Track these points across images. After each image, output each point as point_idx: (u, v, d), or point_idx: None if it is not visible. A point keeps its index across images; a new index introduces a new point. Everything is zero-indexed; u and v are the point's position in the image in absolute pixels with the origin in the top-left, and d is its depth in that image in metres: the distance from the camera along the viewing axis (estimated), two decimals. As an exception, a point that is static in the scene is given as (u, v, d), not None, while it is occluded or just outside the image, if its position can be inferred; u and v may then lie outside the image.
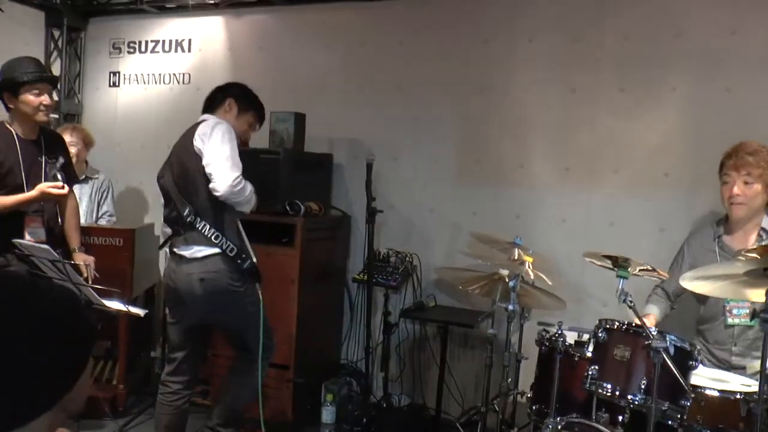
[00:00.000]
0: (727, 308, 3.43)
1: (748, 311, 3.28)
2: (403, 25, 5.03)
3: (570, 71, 4.56)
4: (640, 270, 2.97)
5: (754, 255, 2.66)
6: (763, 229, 3.45)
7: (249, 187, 3.58)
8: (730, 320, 3.42)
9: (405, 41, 5.02)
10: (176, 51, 5.85)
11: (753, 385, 2.92)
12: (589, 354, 3.08)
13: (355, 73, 5.18)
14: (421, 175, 4.98)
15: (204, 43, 5.76)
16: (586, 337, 3.22)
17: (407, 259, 4.88)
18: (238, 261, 3.56)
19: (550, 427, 3.05)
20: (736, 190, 3.38)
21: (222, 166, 3.46)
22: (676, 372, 2.72)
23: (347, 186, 5.19)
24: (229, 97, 3.80)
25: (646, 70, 4.37)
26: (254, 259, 3.64)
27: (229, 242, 3.55)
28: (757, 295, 2.70)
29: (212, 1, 5.59)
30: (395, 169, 5.02)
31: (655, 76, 4.35)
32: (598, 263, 3.09)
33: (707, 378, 3.08)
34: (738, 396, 2.85)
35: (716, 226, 3.60)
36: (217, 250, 3.55)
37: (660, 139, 4.37)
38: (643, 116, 4.40)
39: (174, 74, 5.86)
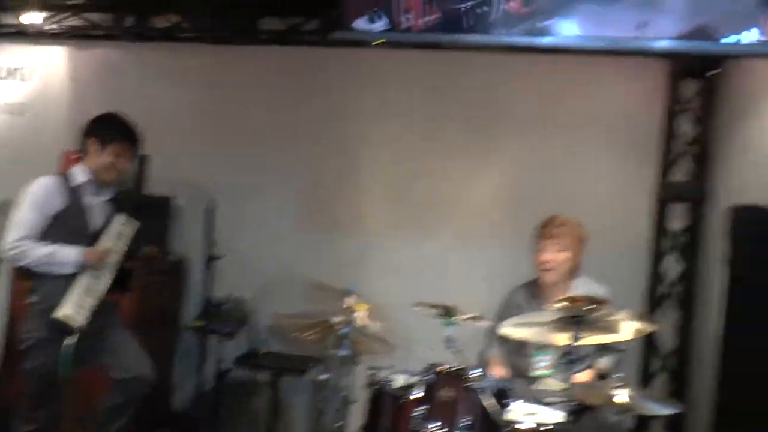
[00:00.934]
0: (533, 362, 3.72)
1: (549, 362, 3.59)
2: (253, 70, 5.10)
3: (411, 121, 4.85)
4: (465, 319, 3.19)
5: (564, 304, 2.97)
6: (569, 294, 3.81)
7: (38, 253, 3.42)
8: (534, 372, 3.73)
9: (254, 86, 5.09)
10: (11, 79, 5.53)
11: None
12: (416, 395, 3.24)
13: (202, 115, 5.17)
14: (262, 221, 5.03)
15: (42, 73, 5.48)
16: (414, 379, 3.38)
17: (243, 305, 4.87)
18: None
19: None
20: (547, 257, 3.73)
21: (7, 230, 3.36)
22: (493, 410, 2.94)
23: (187, 230, 5.11)
24: (86, 137, 3.63)
25: (481, 126, 4.76)
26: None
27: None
28: (561, 340, 3.01)
29: (53, 30, 5.32)
30: (237, 213, 5.02)
31: (489, 132, 4.76)
32: (428, 312, 3.28)
33: (522, 413, 3.35)
34: (548, 427, 3.12)
35: (529, 290, 3.92)
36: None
37: (489, 193, 4.76)
38: (475, 170, 4.77)
39: (6, 103, 5.52)
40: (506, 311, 3.89)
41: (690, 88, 4.63)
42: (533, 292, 3.87)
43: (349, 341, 3.84)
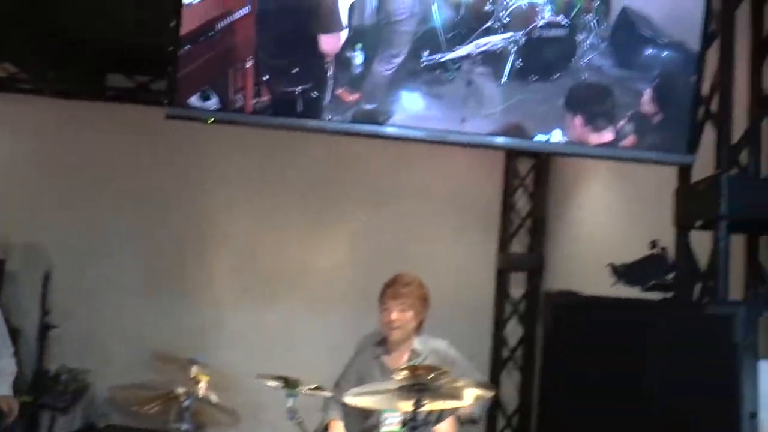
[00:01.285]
0: (382, 419, 3.78)
1: (399, 419, 3.65)
2: (98, 128, 4.94)
3: (257, 194, 4.87)
4: (308, 389, 3.19)
5: (404, 374, 3.05)
6: (413, 350, 3.93)
7: None
8: (383, 429, 3.78)
9: (98, 144, 4.93)
10: None
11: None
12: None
13: (40, 172, 4.93)
14: (104, 287, 4.81)
15: None
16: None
17: (81, 377, 4.60)
18: None
19: None
20: (393, 316, 3.82)
21: None
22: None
23: (21, 296, 4.79)
24: None
25: (326, 198, 4.86)
26: None
27: None
28: (407, 406, 3.07)
29: None
30: (76, 278, 4.79)
31: (333, 204, 4.86)
32: (271, 383, 3.25)
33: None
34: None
35: (376, 347, 4.00)
36: None
37: (334, 262, 4.84)
38: (320, 240, 4.86)
39: None
40: (352, 378, 3.93)
41: (525, 165, 5.00)
42: (383, 348, 3.95)
43: (191, 413, 3.72)
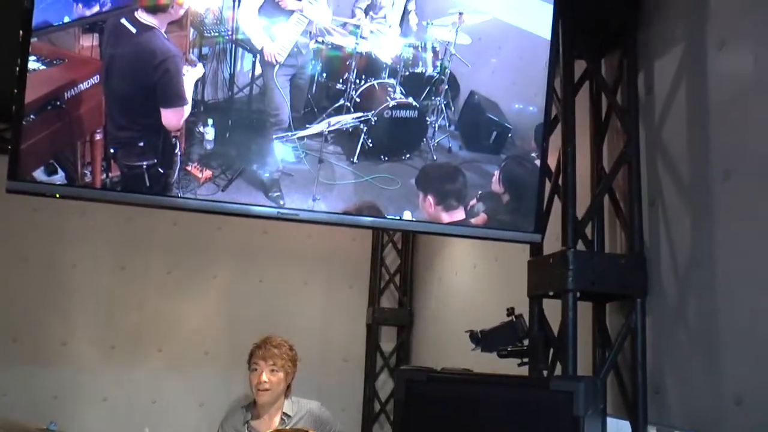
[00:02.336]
0: None
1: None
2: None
3: (121, 250, 4.73)
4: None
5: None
6: (284, 413, 3.91)
7: None
8: None
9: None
10: None
11: None
12: None
13: None
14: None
15: None
16: None
17: None
18: None
19: None
20: (263, 377, 3.81)
21: None
22: None
23: None
24: None
25: (192, 256, 4.80)
26: None
27: None
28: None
29: None
30: None
31: (200, 262, 4.82)
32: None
33: None
34: None
35: (245, 411, 3.96)
36: None
37: (202, 320, 4.78)
38: (187, 298, 4.78)
39: None
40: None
41: (393, 222, 5.15)
42: (252, 413, 3.91)
43: (44, 490, 3.50)
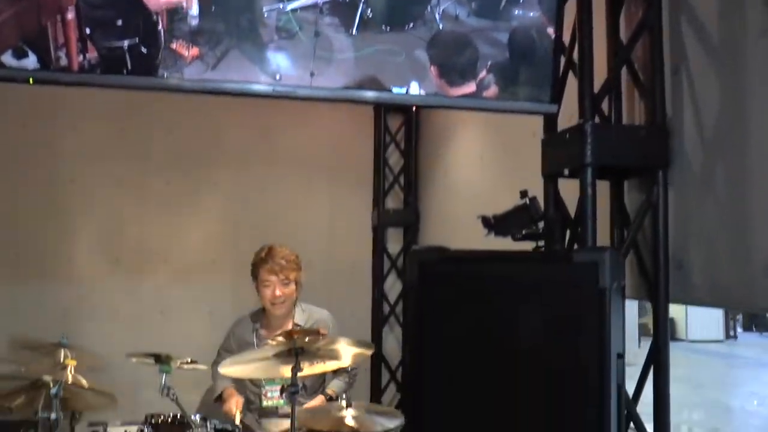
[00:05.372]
0: (263, 392, 3.74)
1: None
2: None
3: (117, 163, 4.59)
4: (182, 364, 3.08)
5: (281, 339, 2.98)
6: (295, 323, 3.87)
7: None
8: (265, 402, 3.75)
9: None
10: None
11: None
12: (135, 452, 3.07)
13: None
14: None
15: None
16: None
17: (-66, 371, 4.22)
18: None
19: None
20: (278, 292, 3.77)
21: None
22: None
23: None
24: None
25: (191, 165, 4.66)
26: None
27: None
28: (287, 372, 3.02)
29: None
30: None
31: (199, 171, 4.68)
32: (143, 361, 3.12)
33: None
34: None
35: (254, 320, 3.93)
36: None
37: (205, 230, 4.70)
38: (189, 208, 4.68)
39: None
40: (233, 345, 3.85)
41: (395, 121, 4.99)
42: (261, 322, 3.89)
43: (59, 401, 3.50)
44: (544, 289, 1.94)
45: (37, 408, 3.70)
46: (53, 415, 3.50)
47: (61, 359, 3.64)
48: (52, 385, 3.61)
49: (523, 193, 2.49)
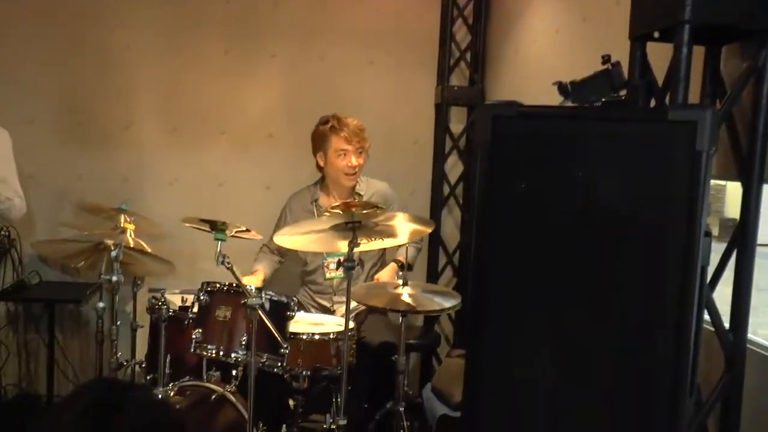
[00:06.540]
0: (325, 264, 3.74)
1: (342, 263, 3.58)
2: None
3: (175, 32, 4.47)
4: (237, 232, 3.04)
5: (337, 211, 2.90)
6: (356, 193, 3.79)
7: None
8: (328, 274, 3.75)
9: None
10: None
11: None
12: (192, 318, 3.09)
13: None
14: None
15: None
16: (190, 300, 3.21)
17: (3, 233, 4.34)
18: None
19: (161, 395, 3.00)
20: (354, 161, 3.68)
21: None
22: (269, 325, 2.85)
23: None
24: None
25: (249, 35, 4.50)
26: None
27: None
28: (343, 246, 2.95)
29: None
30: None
31: (257, 42, 4.52)
32: (197, 227, 3.09)
33: (307, 323, 3.32)
34: (331, 336, 3.12)
35: (313, 188, 3.88)
36: None
37: (263, 102, 4.58)
38: (247, 79, 4.55)
39: None
40: (288, 221, 3.81)
41: (463, -6, 4.67)
42: (321, 192, 3.85)
43: (119, 264, 3.55)
44: (631, 151, 1.74)
45: (100, 271, 3.80)
46: (114, 278, 3.56)
47: (121, 224, 3.68)
48: (112, 248, 3.67)
49: (606, 58, 2.25)
